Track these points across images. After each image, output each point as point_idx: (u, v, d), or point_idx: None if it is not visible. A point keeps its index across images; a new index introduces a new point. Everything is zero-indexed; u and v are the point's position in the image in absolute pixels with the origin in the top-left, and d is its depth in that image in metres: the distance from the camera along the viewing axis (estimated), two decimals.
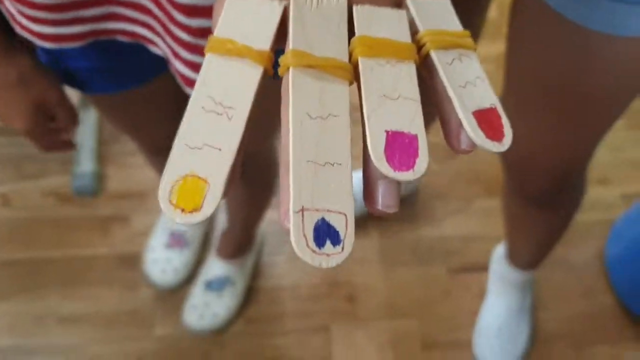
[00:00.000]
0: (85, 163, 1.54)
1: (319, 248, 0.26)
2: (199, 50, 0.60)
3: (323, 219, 0.26)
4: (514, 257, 1.33)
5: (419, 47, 0.32)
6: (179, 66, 0.63)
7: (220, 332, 1.37)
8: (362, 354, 1.38)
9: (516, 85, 0.85)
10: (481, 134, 0.29)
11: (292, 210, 0.26)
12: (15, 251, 1.46)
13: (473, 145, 0.29)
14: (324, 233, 0.26)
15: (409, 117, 0.29)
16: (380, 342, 1.39)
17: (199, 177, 0.27)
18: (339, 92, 0.29)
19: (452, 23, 0.33)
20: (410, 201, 1.56)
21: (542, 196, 0.99)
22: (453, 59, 0.31)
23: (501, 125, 0.29)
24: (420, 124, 0.28)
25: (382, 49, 0.30)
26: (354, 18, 0.32)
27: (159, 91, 0.74)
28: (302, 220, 0.26)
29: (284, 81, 0.29)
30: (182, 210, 0.26)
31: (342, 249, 0.26)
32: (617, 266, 1.50)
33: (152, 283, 1.41)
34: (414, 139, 0.28)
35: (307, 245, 0.26)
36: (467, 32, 0.33)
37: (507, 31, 0.83)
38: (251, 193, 1.16)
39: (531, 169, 0.94)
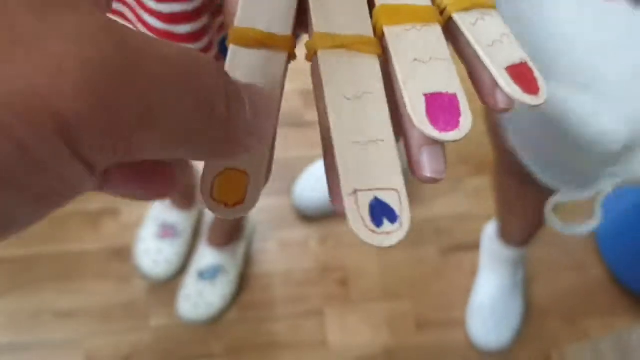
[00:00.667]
0: None
1: (378, 227, 0.25)
2: (169, 37, 0.59)
3: (376, 198, 0.26)
4: (506, 235, 1.33)
5: (440, 11, 0.31)
6: None
7: (215, 321, 1.37)
8: (357, 336, 1.39)
9: None
10: (517, 88, 0.28)
11: (345, 193, 0.25)
12: (6, 248, 1.46)
13: (511, 103, 0.28)
14: (380, 212, 0.25)
15: (445, 78, 0.28)
16: (374, 324, 1.40)
17: (239, 170, 0.27)
18: (370, 68, 0.29)
19: None
20: None
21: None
22: (477, 19, 0.30)
23: (534, 79, 0.29)
24: (457, 82, 0.28)
25: (404, 15, 0.30)
26: None
27: None
28: (357, 201, 0.25)
29: (313, 66, 0.29)
30: (225, 204, 0.26)
31: (401, 224, 0.25)
32: (607, 239, 1.51)
33: (144, 275, 1.41)
34: (453, 98, 0.27)
35: (366, 226, 0.25)
36: None
37: None
38: None
39: None
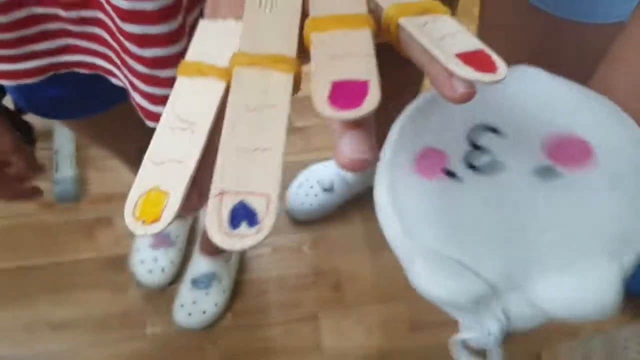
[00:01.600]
0: (65, 169, 1.54)
1: (233, 230, 0.25)
2: (155, 82, 0.59)
3: (241, 202, 0.26)
4: None
5: (387, 23, 0.31)
6: (137, 98, 0.63)
7: (210, 328, 1.38)
8: (352, 340, 1.39)
9: None
10: (470, 69, 0.28)
11: (211, 194, 0.26)
12: (0, 261, 1.46)
13: (469, 85, 0.27)
14: (241, 215, 0.26)
15: (361, 68, 0.28)
16: (369, 327, 1.41)
17: (161, 190, 0.28)
18: (280, 84, 0.29)
19: None
20: None
21: None
22: (425, 22, 0.30)
23: (492, 61, 0.29)
24: (374, 71, 0.28)
25: (333, 23, 0.30)
26: (309, 4, 0.32)
27: (127, 112, 0.74)
28: (220, 203, 0.26)
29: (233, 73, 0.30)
30: (143, 222, 0.27)
31: (259, 230, 0.25)
32: None
33: (140, 283, 1.42)
34: (363, 84, 0.27)
35: (220, 228, 0.25)
36: (436, 2, 0.32)
37: (478, 18, 0.84)
38: None
39: None
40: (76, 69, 0.65)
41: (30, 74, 0.63)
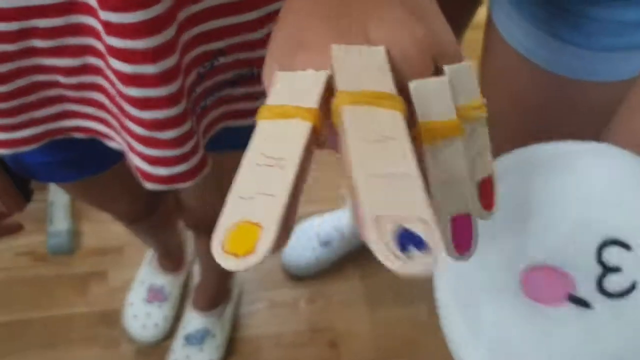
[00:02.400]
0: (59, 221, 1.53)
1: (403, 252, 0.24)
2: (154, 144, 0.59)
3: (402, 227, 0.25)
4: None
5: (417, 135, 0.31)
6: (136, 160, 0.62)
7: None
8: None
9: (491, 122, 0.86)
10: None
11: (368, 218, 0.25)
12: None
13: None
14: (407, 239, 0.24)
15: (466, 197, 0.29)
16: None
17: (252, 222, 0.26)
18: (393, 119, 0.29)
19: (474, 90, 0.33)
20: None
21: None
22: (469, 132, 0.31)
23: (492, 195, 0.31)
24: (470, 201, 0.30)
25: (435, 134, 0.30)
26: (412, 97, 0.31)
27: (121, 174, 0.73)
28: (380, 227, 0.25)
29: (337, 123, 0.30)
30: (235, 255, 0.25)
31: (429, 254, 0.24)
32: None
33: (133, 339, 1.40)
34: (467, 218, 0.29)
35: (390, 250, 0.24)
36: (483, 103, 0.33)
37: (479, 73, 0.84)
38: None
39: None
40: (73, 134, 0.65)
41: (27, 142, 0.62)
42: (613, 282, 0.38)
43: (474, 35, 0.93)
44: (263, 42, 0.60)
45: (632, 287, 0.37)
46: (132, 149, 0.62)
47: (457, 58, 0.32)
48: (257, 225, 0.26)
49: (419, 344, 1.44)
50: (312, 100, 0.30)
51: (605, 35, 0.68)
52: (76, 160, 0.72)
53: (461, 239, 0.28)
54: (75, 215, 1.56)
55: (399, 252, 0.24)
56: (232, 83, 0.64)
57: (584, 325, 0.37)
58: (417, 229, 0.24)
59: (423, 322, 1.46)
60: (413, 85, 0.30)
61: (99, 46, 0.53)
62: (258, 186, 0.27)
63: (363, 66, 0.30)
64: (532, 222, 0.40)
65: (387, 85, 0.30)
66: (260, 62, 0.61)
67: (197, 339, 1.35)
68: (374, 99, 0.29)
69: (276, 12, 0.60)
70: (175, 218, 1.22)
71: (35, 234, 1.54)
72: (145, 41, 0.50)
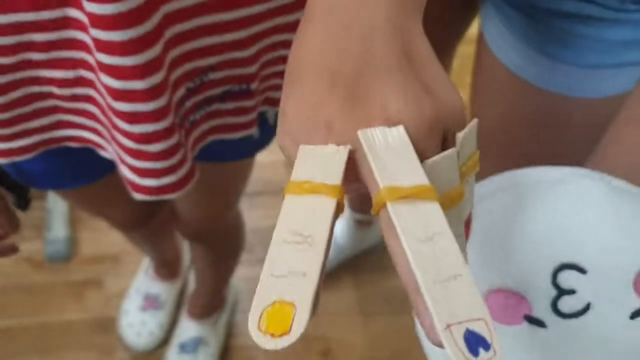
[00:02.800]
0: (57, 228, 1.54)
1: (475, 357, 0.27)
2: (143, 156, 0.60)
3: (468, 330, 0.27)
4: None
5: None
6: (125, 171, 0.64)
7: None
8: None
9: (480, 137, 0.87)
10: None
11: (439, 328, 0.27)
12: None
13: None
14: (474, 342, 0.27)
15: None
16: None
17: (286, 302, 0.28)
18: (435, 211, 0.30)
19: (473, 146, 0.35)
20: (381, 250, 1.57)
21: None
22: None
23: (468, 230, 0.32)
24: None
25: (448, 202, 0.32)
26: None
27: (116, 183, 0.74)
28: (452, 335, 0.27)
29: (382, 218, 0.31)
30: (272, 335, 0.27)
31: (495, 351, 0.27)
32: None
33: (128, 347, 1.40)
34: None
35: (465, 357, 0.27)
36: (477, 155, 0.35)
37: (470, 90, 0.86)
38: (218, 256, 1.18)
39: None
40: (67, 143, 0.66)
41: (23, 151, 0.64)
42: (567, 304, 0.39)
43: (467, 49, 0.94)
44: (253, 60, 0.62)
45: (586, 308, 0.39)
46: (121, 160, 0.63)
47: (462, 122, 0.34)
48: (291, 304, 0.28)
49: (412, 354, 1.45)
50: (336, 177, 0.32)
51: (593, 53, 0.69)
52: (72, 168, 0.74)
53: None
54: (73, 223, 1.58)
55: (472, 357, 0.27)
56: (222, 98, 0.65)
57: (539, 342, 0.38)
58: (480, 329, 0.27)
59: (415, 333, 1.47)
60: (428, 165, 0.32)
61: (91, 60, 0.55)
62: (290, 265, 0.29)
63: (391, 149, 0.32)
64: (495, 249, 0.42)
65: (421, 174, 0.31)
66: (249, 78, 0.63)
67: (191, 347, 1.36)
68: (417, 192, 0.31)
69: (265, 31, 0.61)
70: (171, 226, 1.23)
71: (33, 241, 1.55)
72: (133, 58, 0.52)
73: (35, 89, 0.59)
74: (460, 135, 0.33)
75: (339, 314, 1.48)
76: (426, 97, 0.32)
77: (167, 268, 1.42)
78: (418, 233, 0.29)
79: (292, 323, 0.27)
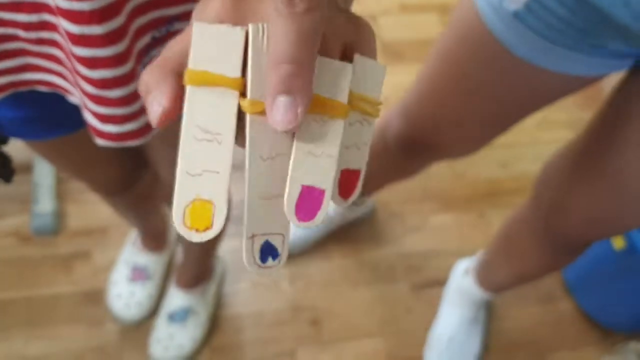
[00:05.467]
0: (44, 202, 1.54)
1: (263, 263, 0.33)
2: (103, 102, 0.61)
3: (267, 241, 0.33)
4: (486, 279, 1.34)
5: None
6: (88, 117, 0.64)
7: None
8: None
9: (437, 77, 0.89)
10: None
11: (245, 236, 0.32)
12: None
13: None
14: (267, 251, 0.33)
15: (324, 174, 0.33)
16: None
17: (205, 200, 0.32)
18: (288, 133, 0.33)
19: (376, 89, 0.37)
20: (368, 221, 1.58)
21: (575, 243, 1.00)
22: (357, 122, 0.36)
23: (354, 187, 0.36)
24: (331, 179, 0.33)
25: (317, 106, 0.33)
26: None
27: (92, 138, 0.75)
28: (253, 243, 0.33)
29: (246, 122, 0.33)
30: (196, 230, 0.32)
31: (279, 261, 0.34)
32: (574, 274, 1.53)
33: (116, 318, 1.41)
34: (321, 193, 0.33)
35: (255, 262, 0.33)
36: (381, 103, 0.36)
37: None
38: None
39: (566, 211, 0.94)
40: (36, 87, 0.66)
41: None
42: None
43: None
44: None
45: None
46: (85, 106, 0.63)
47: (372, 54, 0.36)
48: (209, 202, 0.32)
49: (399, 321, 1.47)
50: (236, 67, 0.33)
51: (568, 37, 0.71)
52: (44, 117, 0.73)
53: (307, 208, 0.33)
54: (60, 197, 1.57)
55: (261, 264, 0.33)
56: None
57: None
58: (276, 242, 0.34)
59: (403, 300, 1.49)
60: (318, 62, 0.33)
61: (52, 4, 0.55)
62: (202, 163, 0.32)
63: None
64: None
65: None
66: None
67: (180, 317, 1.37)
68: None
69: None
70: (155, 195, 1.23)
71: (20, 215, 1.55)
72: (91, 3, 0.52)
73: (0, 30, 0.59)
74: (359, 57, 0.35)
75: (327, 284, 1.50)
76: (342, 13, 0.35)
77: (154, 240, 1.42)
78: (263, 151, 0.32)
79: (213, 218, 0.32)
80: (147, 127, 0.66)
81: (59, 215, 1.55)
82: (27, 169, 1.58)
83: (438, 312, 1.45)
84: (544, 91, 0.81)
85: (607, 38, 0.69)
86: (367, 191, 1.41)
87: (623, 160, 0.79)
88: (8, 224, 1.54)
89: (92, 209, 1.55)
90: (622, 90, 0.81)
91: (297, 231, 1.49)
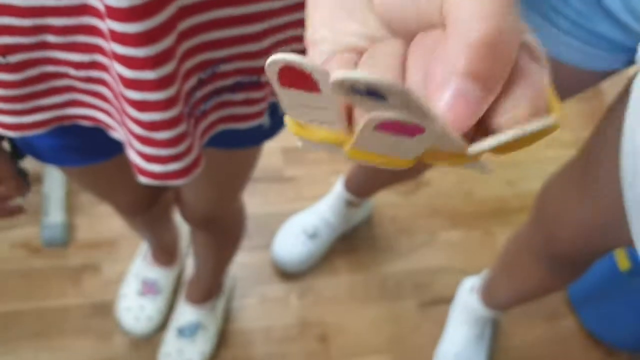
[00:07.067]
0: (54, 213, 1.55)
1: None
2: (150, 143, 0.62)
3: None
4: (490, 297, 1.35)
5: None
6: (132, 155, 0.65)
7: None
8: None
9: None
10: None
11: None
12: None
13: None
14: None
15: None
16: None
17: None
18: None
19: None
20: (376, 235, 1.59)
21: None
22: None
23: None
24: None
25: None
26: None
27: (124, 165, 0.75)
28: None
29: None
30: None
31: None
32: (578, 293, 1.54)
33: (126, 331, 1.42)
34: None
35: None
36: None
37: None
38: (219, 244, 1.19)
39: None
40: (79, 121, 0.67)
41: (35, 126, 0.65)
42: None
43: None
44: (265, 52, 0.63)
45: None
46: (130, 144, 0.64)
47: None
48: None
49: (407, 338, 1.48)
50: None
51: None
52: (80, 145, 0.74)
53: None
54: (70, 208, 1.58)
55: None
56: (232, 89, 0.66)
57: None
58: None
59: (410, 317, 1.50)
60: None
61: (107, 47, 0.56)
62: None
63: None
64: None
65: None
66: (260, 70, 0.64)
67: (189, 331, 1.38)
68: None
69: (280, 26, 0.62)
70: (171, 211, 1.24)
71: (30, 226, 1.55)
72: (145, 49, 0.53)
73: (51, 68, 0.60)
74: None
75: (336, 300, 1.51)
76: None
77: (165, 254, 1.43)
78: None
79: None
80: (190, 167, 0.66)
81: (69, 227, 1.56)
82: (38, 180, 1.59)
83: (445, 330, 1.46)
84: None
85: (600, 22, 0.72)
86: (364, 193, 1.43)
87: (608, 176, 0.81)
88: (18, 235, 1.55)
89: (102, 221, 1.56)
90: (610, 108, 0.83)
91: (304, 247, 1.50)
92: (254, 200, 1.53)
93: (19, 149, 0.74)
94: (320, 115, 0.28)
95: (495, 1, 0.22)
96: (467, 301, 1.42)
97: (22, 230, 1.55)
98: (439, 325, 1.49)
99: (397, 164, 0.29)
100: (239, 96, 0.67)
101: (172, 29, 0.55)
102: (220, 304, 1.43)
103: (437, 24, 0.25)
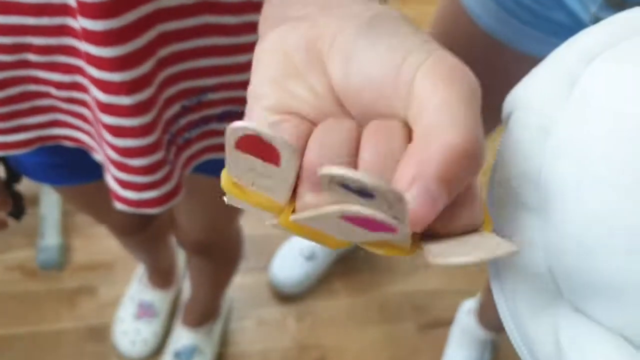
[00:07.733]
0: (50, 236, 1.54)
1: None
2: (125, 169, 0.61)
3: None
4: (485, 318, 1.35)
5: None
6: (109, 180, 0.65)
7: None
8: None
9: None
10: None
11: None
12: None
13: None
14: None
15: None
16: None
17: None
18: None
19: None
20: (375, 257, 1.58)
21: None
22: None
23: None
24: None
25: None
26: None
27: None
28: None
29: None
30: None
31: None
32: None
33: (122, 355, 1.40)
34: None
35: None
36: None
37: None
38: (216, 268, 1.18)
39: None
40: (62, 142, 0.67)
41: (19, 145, 0.64)
42: None
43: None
44: None
45: None
46: (107, 168, 0.64)
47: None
48: None
49: None
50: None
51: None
52: (68, 165, 0.74)
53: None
54: (66, 231, 1.57)
55: None
56: (220, 118, 0.66)
57: None
58: None
59: (410, 340, 1.49)
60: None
61: (87, 69, 0.55)
62: None
63: None
64: None
65: None
66: None
67: (186, 355, 1.36)
68: None
69: None
70: (167, 234, 1.23)
71: (26, 249, 1.54)
72: (121, 74, 0.53)
73: (33, 87, 0.59)
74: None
75: (334, 322, 1.49)
76: None
77: (162, 276, 1.42)
78: None
79: None
80: (167, 196, 0.65)
81: (65, 250, 1.55)
82: (34, 201, 1.58)
83: (444, 352, 1.44)
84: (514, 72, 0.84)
85: (555, 10, 0.72)
86: None
87: None
88: (13, 257, 1.54)
89: (98, 243, 1.55)
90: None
91: (301, 269, 1.49)
92: (251, 222, 1.52)
93: (15, 172, 0.73)
94: (266, 183, 0.27)
95: (467, 111, 0.23)
96: (466, 323, 1.41)
97: (17, 252, 1.54)
98: (439, 348, 1.47)
99: (329, 242, 0.28)
100: (227, 125, 0.66)
101: (151, 55, 0.54)
102: (218, 327, 1.42)
103: (398, 116, 0.25)
